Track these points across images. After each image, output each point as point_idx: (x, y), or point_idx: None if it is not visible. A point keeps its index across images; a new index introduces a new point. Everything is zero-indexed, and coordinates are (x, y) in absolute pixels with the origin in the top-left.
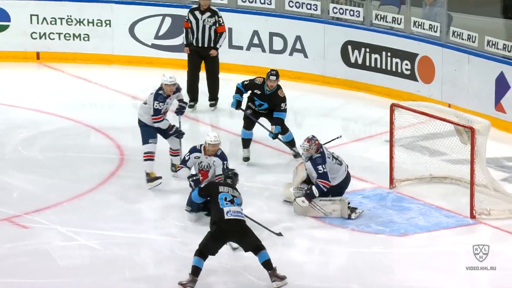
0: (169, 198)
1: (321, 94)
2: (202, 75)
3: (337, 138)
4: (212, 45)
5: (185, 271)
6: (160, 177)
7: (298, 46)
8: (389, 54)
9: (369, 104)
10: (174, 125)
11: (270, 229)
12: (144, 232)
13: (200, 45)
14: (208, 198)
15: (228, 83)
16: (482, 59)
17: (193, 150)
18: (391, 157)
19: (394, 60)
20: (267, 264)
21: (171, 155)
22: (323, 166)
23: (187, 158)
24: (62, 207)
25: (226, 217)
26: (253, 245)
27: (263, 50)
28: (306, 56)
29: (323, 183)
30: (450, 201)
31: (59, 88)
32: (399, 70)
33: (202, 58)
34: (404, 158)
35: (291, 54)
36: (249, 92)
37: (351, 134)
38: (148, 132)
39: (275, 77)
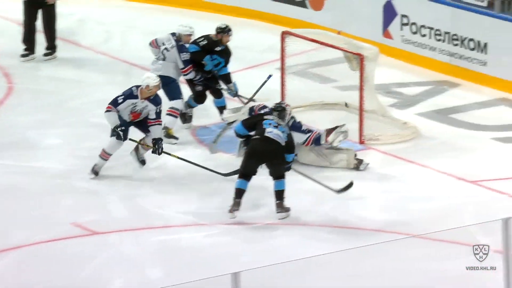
0: (67, 126)
1: (212, 21)
2: None
3: (268, 78)
4: None
5: (76, 199)
6: (177, 138)
7: None
8: None
9: (261, 32)
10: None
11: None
12: (39, 161)
13: None
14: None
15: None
16: None
17: (130, 95)
18: (283, 84)
19: None
20: (279, 194)
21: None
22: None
23: (120, 101)
24: None
25: (265, 133)
26: (279, 171)
27: None
28: None
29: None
30: None
31: None
32: None
33: (39, 6)
34: (296, 85)
35: None
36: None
37: (242, 61)
38: (178, 88)
39: (232, 31)
